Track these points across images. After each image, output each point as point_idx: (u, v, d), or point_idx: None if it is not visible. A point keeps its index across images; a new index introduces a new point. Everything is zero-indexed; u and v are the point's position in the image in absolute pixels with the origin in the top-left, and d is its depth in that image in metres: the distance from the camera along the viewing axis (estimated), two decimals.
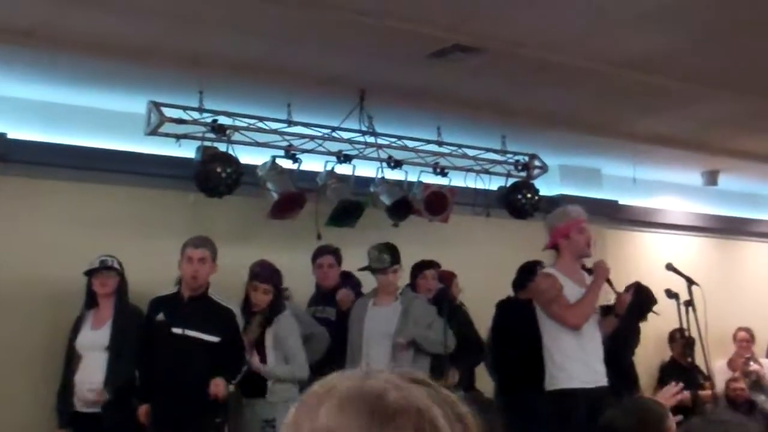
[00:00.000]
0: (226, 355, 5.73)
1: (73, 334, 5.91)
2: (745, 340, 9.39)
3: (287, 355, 6.00)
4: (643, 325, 7.63)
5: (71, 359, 5.86)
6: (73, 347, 5.86)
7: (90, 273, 5.92)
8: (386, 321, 6.13)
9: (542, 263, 7.06)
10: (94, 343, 5.82)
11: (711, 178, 9.57)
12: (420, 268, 6.80)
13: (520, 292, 7.01)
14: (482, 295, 7.15)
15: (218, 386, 5.58)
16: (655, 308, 7.40)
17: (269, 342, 6.01)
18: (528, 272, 6.99)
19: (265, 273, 6.08)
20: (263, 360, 5.97)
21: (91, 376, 5.74)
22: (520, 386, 6.44)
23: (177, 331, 5.67)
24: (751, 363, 9.22)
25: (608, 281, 5.74)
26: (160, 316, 5.76)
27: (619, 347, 6.66)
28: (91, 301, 5.96)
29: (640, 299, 7.07)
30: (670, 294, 6.48)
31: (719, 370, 9.02)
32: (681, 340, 7.82)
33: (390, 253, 6.28)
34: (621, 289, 6.18)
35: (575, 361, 5.52)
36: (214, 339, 5.70)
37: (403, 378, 1.23)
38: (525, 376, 6.39)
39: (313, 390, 1.24)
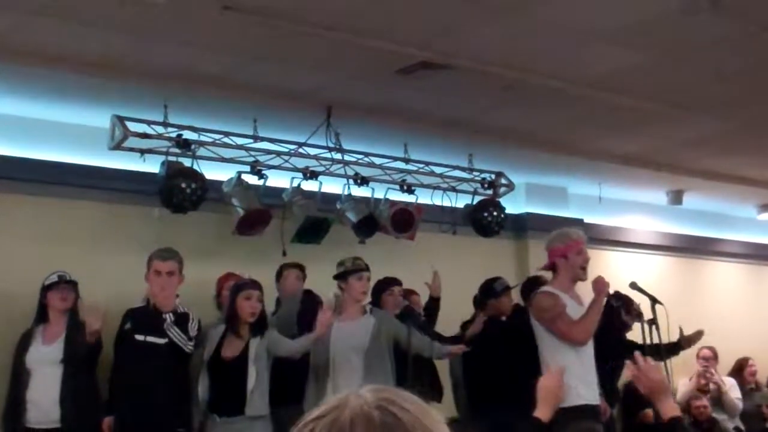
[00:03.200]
0: (178, 370, 5.76)
1: (21, 350, 5.80)
2: (708, 357, 9.45)
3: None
4: None
5: (20, 376, 5.75)
6: (23, 363, 5.75)
7: (48, 287, 5.84)
8: (355, 335, 6.02)
9: (502, 278, 7.09)
10: (47, 358, 5.73)
11: (676, 197, 9.65)
12: (387, 284, 6.76)
13: (484, 310, 7.04)
14: (448, 312, 7.13)
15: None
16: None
17: (252, 355, 5.85)
18: (489, 290, 7.02)
19: (251, 281, 6.03)
20: (243, 374, 5.81)
21: (46, 391, 5.67)
22: (496, 404, 6.48)
23: (139, 338, 5.70)
24: (713, 372, 9.26)
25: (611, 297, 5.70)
26: (127, 326, 5.81)
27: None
28: (43, 316, 5.89)
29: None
30: (635, 313, 6.52)
31: (682, 389, 9.07)
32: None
33: (364, 261, 6.25)
34: None
35: (578, 379, 5.47)
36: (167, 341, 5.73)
37: (377, 398, 1.26)
38: (500, 393, 6.44)
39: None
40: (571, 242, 5.78)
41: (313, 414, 1.28)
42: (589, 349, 5.65)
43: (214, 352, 5.89)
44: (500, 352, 6.74)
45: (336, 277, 6.19)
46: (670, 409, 3.45)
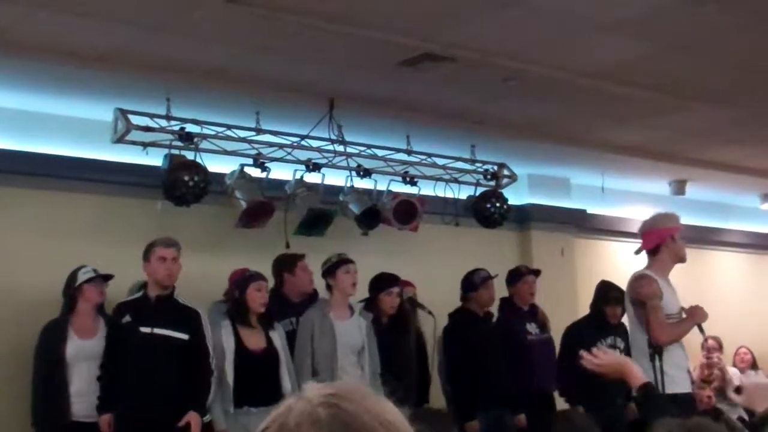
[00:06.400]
0: (194, 363, 5.67)
1: (56, 342, 5.69)
2: (713, 348, 9.44)
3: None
4: None
5: (59, 369, 5.64)
6: (62, 356, 5.65)
7: (87, 281, 5.80)
8: (353, 334, 6.15)
9: (485, 270, 7.08)
10: (88, 352, 5.67)
11: (679, 187, 9.63)
12: (386, 284, 6.55)
13: (466, 302, 7.10)
14: (451, 303, 7.13)
15: (194, 420, 5.56)
16: None
17: (280, 347, 5.93)
18: (468, 282, 7.06)
19: (259, 273, 6.02)
20: (276, 365, 5.86)
21: (90, 385, 5.60)
22: (484, 400, 6.54)
23: (145, 330, 5.61)
24: (716, 358, 9.23)
25: (699, 326, 5.68)
26: (127, 318, 5.67)
27: None
28: (71, 309, 5.83)
29: None
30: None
31: None
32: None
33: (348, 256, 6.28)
34: None
35: (672, 368, 5.47)
36: (183, 336, 5.67)
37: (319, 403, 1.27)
38: (487, 388, 6.48)
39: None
40: (679, 225, 5.81)
41: (260, 427, 1.29)
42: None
43: (237, 345, 5.83)
44: (484, 346, 6.78)
45: (324, 273, 6.26)
46: (637, 379, 3.55)
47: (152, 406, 5.51)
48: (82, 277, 5.84)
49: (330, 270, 6.19)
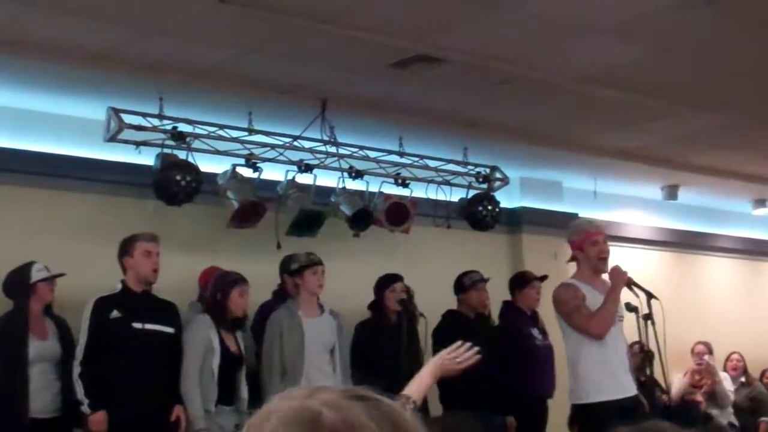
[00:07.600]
0: (178, 357, 5.75)
1: (17, 340, 5.58)
2: (702, 353, 9.46)
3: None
4: None
5: (21, 370, 5.55)
6: (25, 357, 5.56)
7: (42, 280, 5.73)
8: (323, 332, 6.19)
9: (477, 272, 7.09)
10: (44, 354, 5.62)
11: (671, 192, 9.66)
12: (389, 281, 6.74)
13: (459, 303, 7.13)
14: (442, 306, 7.13)
15: (183, 415, 5.65)
16: None
17: (242, 345, 6.00)
18: (458, 284, 7.10)
19: (243, 277, 6.02)
20: (241, 368, 5.93)
21: (47, 384, 5.58)
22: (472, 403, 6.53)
23: (137, 325, 5.61)
24: (708, 362, 9.23)
25: (630, 285, 5.60)
26: (115, 314, 5.62)
27: None
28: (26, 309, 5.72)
29: None
30: (630, 308, 6.52)
31: (677, 384, 9.07)
32: (639, 354, 7.85)
33: (317, 255, 6.28)
34: None
35: (601, 373, 5.40)
36: (170, 330, 5.75)
37: (344, 395, 1.23)
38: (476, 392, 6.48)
39: (258, 414, 1.24)
40: (585, 235, 5.70)
41: (251, 420, 1.25)
42: (617, 340, 5.54)
43: (221, 345, 5.85)
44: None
45: (291, 273, 6.29)
46: None
47: (147, 401, 5.54)
48: (37, 275, 5.72)
49: (298, 270, 6.23)
